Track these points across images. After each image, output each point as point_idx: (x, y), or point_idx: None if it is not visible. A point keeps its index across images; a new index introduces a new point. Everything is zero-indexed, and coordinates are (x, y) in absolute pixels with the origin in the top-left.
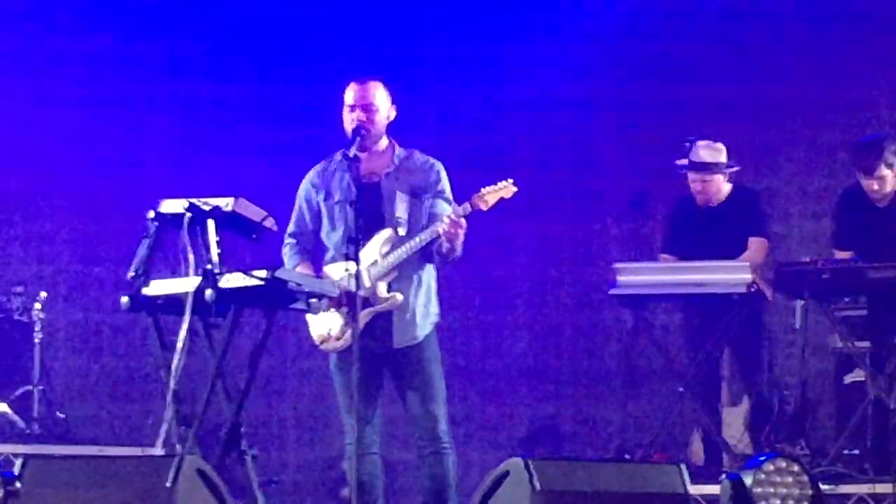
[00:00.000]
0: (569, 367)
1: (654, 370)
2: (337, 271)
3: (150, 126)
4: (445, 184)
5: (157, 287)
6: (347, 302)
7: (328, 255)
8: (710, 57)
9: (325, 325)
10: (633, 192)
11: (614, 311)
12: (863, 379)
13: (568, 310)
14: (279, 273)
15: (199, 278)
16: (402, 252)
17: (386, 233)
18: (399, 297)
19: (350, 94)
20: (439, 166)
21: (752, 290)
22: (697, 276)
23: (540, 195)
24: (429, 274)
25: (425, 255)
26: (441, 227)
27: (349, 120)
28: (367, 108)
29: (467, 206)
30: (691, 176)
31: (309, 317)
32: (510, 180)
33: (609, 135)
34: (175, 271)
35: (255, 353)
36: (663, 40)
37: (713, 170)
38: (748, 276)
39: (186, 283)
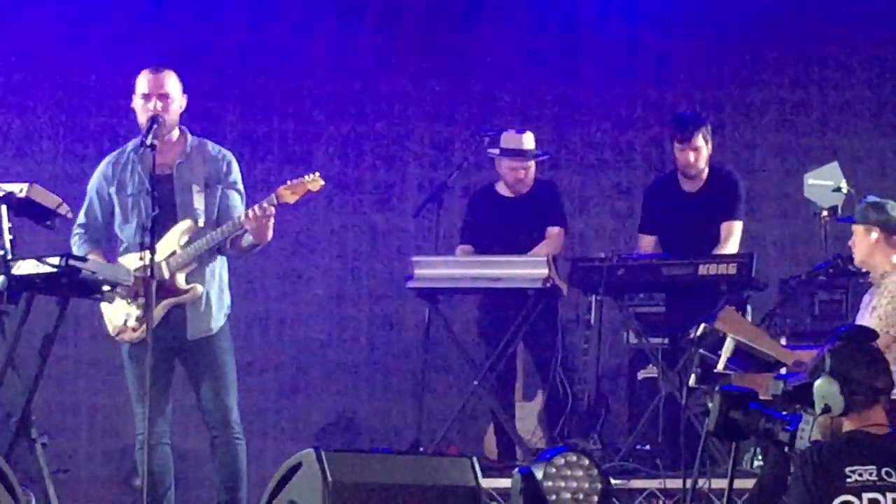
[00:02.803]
0: (365, 360)
1: (449, 364)
2: (132, 262)
3: None
4: (237, 175)
5: None
6: (144, 293)
7: (122, 247)
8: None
9: (121, 315)
10: (433, 184)
11: (411, 304)
12: (656, 375)
13: (365, 302)
14: (73, 261)
15: None
16: (202, 244)
17: (185, 224)
18: (199, 288)
19: (143, 83)
20: (231, 157)
21: (548, 285)
22: (494, 271)
23: (340, 186)
24: (221, 265)
25: (217, 246)
26: (247, 222)
27: (143, 109)
28: (162, 97)
29: (273, 198)
30: (508, 164)
31: (104, 307)
32: (317, 174)
33: (409, 128)
34: None
35: (47, 341)
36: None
37: (530, 157)
38: (544, 271)
39: None
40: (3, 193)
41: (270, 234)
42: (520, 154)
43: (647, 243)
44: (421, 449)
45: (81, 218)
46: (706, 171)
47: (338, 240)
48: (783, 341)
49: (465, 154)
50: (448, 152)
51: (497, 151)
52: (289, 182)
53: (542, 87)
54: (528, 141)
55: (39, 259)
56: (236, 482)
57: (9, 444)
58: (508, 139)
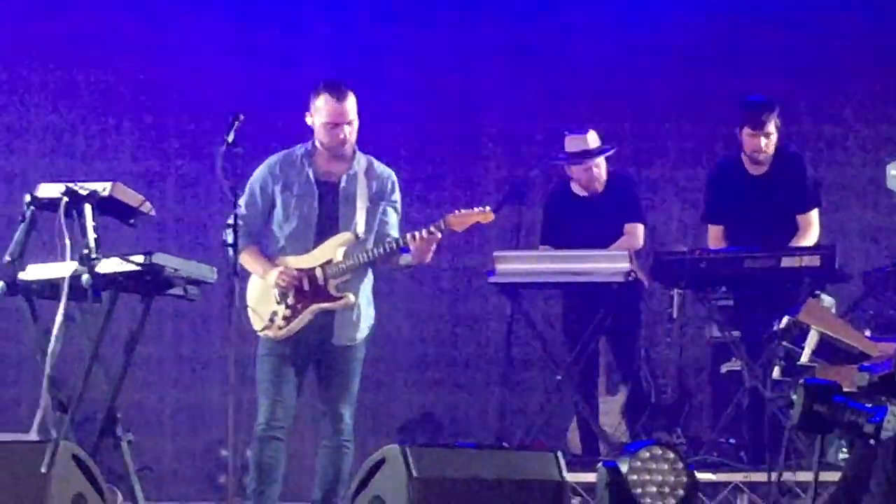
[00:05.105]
0: (448, 356)
1: (532, 359)
2: (290, 263)
3: (26, 111)
4: (398, 194)
5: (34, 272)
6: (296, 294)
7: (277, 246)
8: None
9: (268, 312)
10: (513, 181)
11: (493, 299)
12: (739, 368)
13: (447, 297)
14: (156, 258)
15: (76, 263)
16: (361, 258)
17: (345, 235)
18: (351, 298)
19: (329, 110)
20: (395, 177)
21: (630, 278)
22: (576, 265)
23: (420, 182)
24: (370, 279)
25: (372, 262)
26: (412, 243)
27: (327, 134)
28: (349, 124)
29: (441, 224)
30: (577, 165)
31: (251, 302)
32: (488, 207)
33: (490, 124)
34: (52, 256)
35: (132, 338)
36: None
37: (595, 155)
38: (626, 265)
39: (63, 268)
40: (87, 192)
41: (430, 257)
42: (584, 155)
43: (715, 233)
44: (504, 443)
45: (242, 210)
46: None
47: None
48: (867, 333)
49: (544, 150)
50: (526, 148)
51: (562, 157)
52: (459, 211)
53: (616, 82)
54: (592, 140)
55: (123, 257)
56: (335, 485)
57: (95, 442)
58: (571, 142)
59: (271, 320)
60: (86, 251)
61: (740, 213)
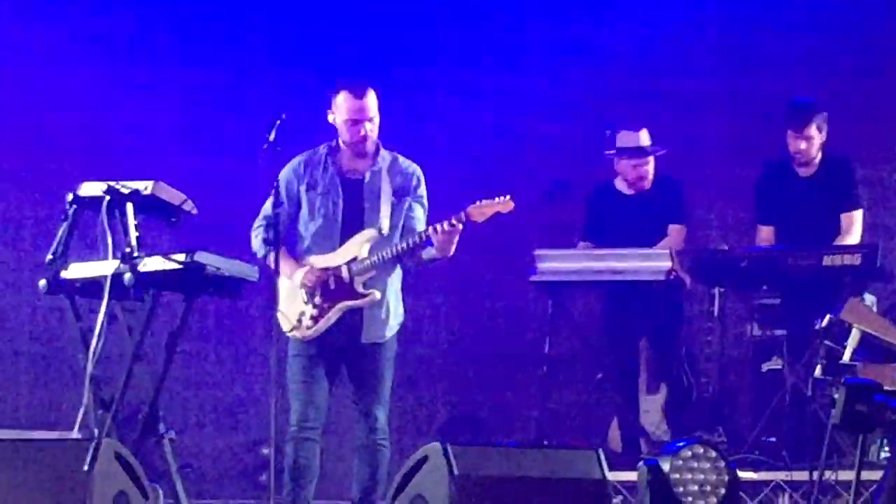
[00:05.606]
0: (488, 354)
1: (572, 357)
2: (316, 262)
3: (69, 108)
4: (424, 189)
5: (76, 270)
6: (322, 293)
7: (303, 245)
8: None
9: (296, 313)
10: (553, 179)
11: (534, 298)
12: (780, 367)
13: (487, 296)
14: (198, 257)
15: (118, 261)
16: (385, 254)
17: (370, 232)
18: (377, 294)
19: (349, 107)
20: (420, 172)
21: (671, 277)
22: (617, 264)
23: (459, 181)
24: (398, 275)
25: (398, 257)
26: (434, 236)
27: (348, 131)
28: (370, 120)
29: (462, 215)
30: (627, 162)
31: (282, 304)
32: (508, 196)
33: (529, 123)
34: (93, 254)
35: (173, 337)
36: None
37: (650, 153)
38: (667, 264)
39: (105, 267)
40: (129, 191)
41: (454, 249)
42: (638, 152)
43: (766, 234)
44: (545, 442)
45: (267, 210)
46: (819, 157)
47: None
48: None
49: (583, 149)
50: (567, 147)
51: (614, 152)
52: (479, 202)
53: (661, 81)
54: (645, 138)
55: (165, 256)
56: (373, 483)
57: (137, 440)
58: (625, 138)
59: (299, 321)
60: (128, 250)
61: (789, 215)
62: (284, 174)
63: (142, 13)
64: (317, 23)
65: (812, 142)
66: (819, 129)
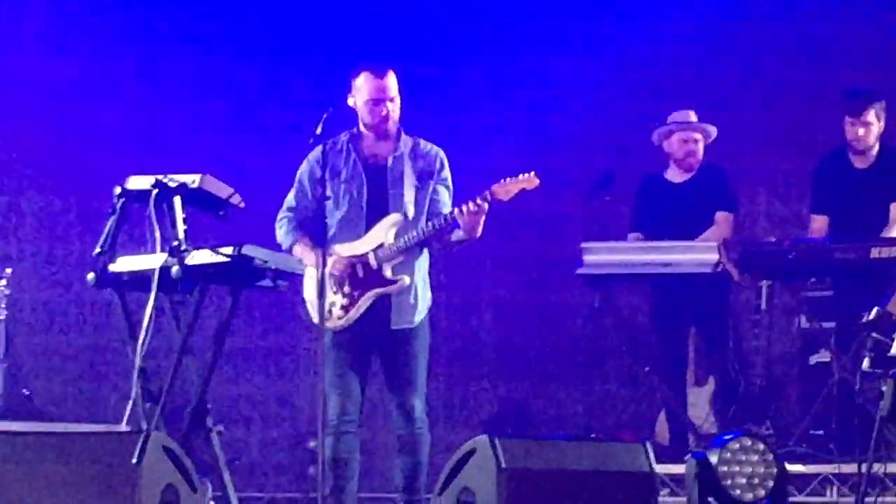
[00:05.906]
0: (535, 347)
1: (620, 350)
2: (342, 251)
3: (116, 102)
4: (448, 171)
5: (124, 264)
6: (351, 282)
7: (329, 234)
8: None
9: (326, 303)
10: (600, 170)
11: (581, 291)
12: (828, 360)
13: (534, 289)
14: (245, 250)
15: (166, 255)
16: (411, 238)
17: (394, 217)
18: (406, 279)
19: (370, 87)
20: (443, 154)
21: (719, 269)
22: (664, 256)
23: (506, 172)
24: (425, 259)
25: (424, 241)
26: (459, 217)
27: (370, 112)
28: (391, 100)
29: (487, 194)
30: (678, 137)
31: (308, 294)
32: (532, 173)
33: (576, 113)
34: (141, 248)
35: (221, 330)
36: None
37: (700, 127)
38: (715, 256)
39: (152, 260)
40: (177, 184)
41: (481, 230)
42: (690, 126)
43: (820, 224)
44: (593, 435)
45: (291, 202)
46: (876, 147)
47: (504, 227)
48: None
49: (629, 140)
50: (610, 138)
51: (665, 129)
52: (504, 180)
53: (709, 71)
54: (694, 117)
55: (213, 249)
56: (416, 471)
57: (185, 433)
58: (675, 116)
59: (330, 312)
60: (175, 243)
61: (843, 206)
62: (307, 164)
63: (188, 6)
64: (362, 17)
65: (870, 128)
66: (878, 117)
